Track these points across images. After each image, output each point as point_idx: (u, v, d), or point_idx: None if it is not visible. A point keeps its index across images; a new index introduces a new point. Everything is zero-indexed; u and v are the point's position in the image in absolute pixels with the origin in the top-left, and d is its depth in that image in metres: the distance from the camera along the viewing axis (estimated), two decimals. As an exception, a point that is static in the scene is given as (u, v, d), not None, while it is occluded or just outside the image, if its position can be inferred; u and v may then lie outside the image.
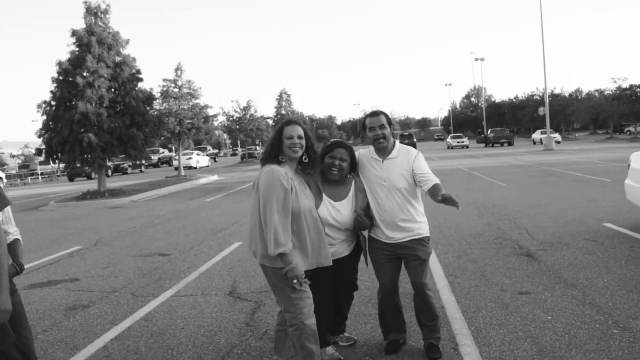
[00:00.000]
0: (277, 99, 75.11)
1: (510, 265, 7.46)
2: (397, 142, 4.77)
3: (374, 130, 4.58)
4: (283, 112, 73.88)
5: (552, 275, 6.89)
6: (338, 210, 4.48)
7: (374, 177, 4.64)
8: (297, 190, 4.06)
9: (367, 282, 6.77)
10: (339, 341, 5.04)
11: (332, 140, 4.74)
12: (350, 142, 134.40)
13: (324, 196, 4.49)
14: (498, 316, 5.51)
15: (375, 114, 4.67)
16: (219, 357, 4.95)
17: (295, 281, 3.91)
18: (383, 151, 4.65)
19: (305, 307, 4.01)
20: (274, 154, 4.15)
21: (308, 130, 4.28)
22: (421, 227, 4.64)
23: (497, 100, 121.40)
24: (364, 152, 4.81)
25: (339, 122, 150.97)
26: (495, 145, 62.70)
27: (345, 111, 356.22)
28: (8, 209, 3.78)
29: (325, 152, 4.56)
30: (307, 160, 4.30)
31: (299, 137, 4.13)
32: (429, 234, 4.71)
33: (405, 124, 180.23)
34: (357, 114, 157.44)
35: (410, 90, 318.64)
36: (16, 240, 3.78)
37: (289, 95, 74.60)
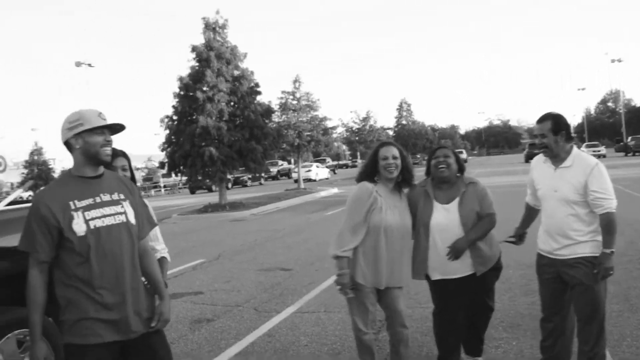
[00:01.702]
0: (397, 109, 75.13)
1: (659, 287, 7.00)
2: (575, 148, 4.37)
3: (534, 138, 4.45)
4: (404, 122, 73.68)
5: None
6: (448, 211, 4.48)
7: (545, 186, 4.41)
8: (383, 207, 4.29)
9: (497, 302, 6.57)
10: None
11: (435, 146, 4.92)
12: (475, 152, 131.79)
13: (435, 202, 4.51)
14: (646, 344, 5.18)
15: (540, 120, 4.37)
16: (343, 377, 4.98)
17: (339, 287, 4.22)
18: (556, 158, 4.34)
19: (359, 322, 4.38)
20: (367, 173, 4.46)
21: (403, 151, 4.49)
22: (592, 245, 4.21)
23: (638, 105, 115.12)
24: (538, 157, 4.61)
25: (462, 131, 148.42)
26: (636, 154, 59.32)
27: (469, 120, 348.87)
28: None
29: (429, 158, 4.65)
30: (400, 179, 4.48)
31: (394, 158, 4.35)
32: (598, 254, 4.22)
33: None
34: (481, 123, 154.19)
35: (541, 97, 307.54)
36: (163, 258, 4.04)
37: (409, 105, 74.49)
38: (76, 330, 3.03)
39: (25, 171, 59.02)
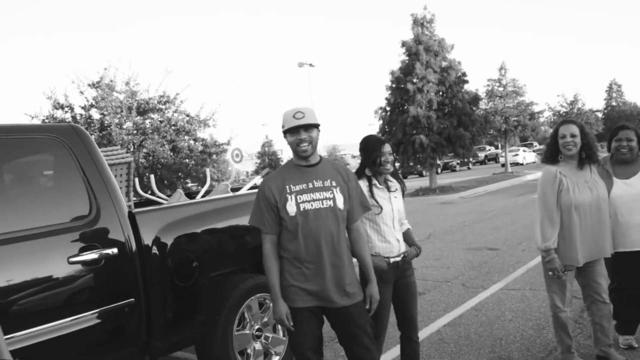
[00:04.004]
0: (606, 91, 69.52)
1: None
2: None
3: None
4: (613, 103, 68.12)
5: None
6: (631, 185, 4.47)
7: None
8: (570, 186, 4.19)
9: None
10: None
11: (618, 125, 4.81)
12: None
13: (615, 179, 4.52)
14: None
15: None
16: (546, 351, 4.98)
17: (551, 273, 4.26)
18: None
19: (557, 300, 4.37)
20: (549, 153, 4.39)
21: (585, 128, 4.33)
22: None
23: None
24: None
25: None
26: None
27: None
28: None
29: (611, 137, 4.65)
30: (584, 157, 4.32)
31: (572, 136, 4.21)
32: None
33: None
34: None
35: None
36: (408, 229, 4.45)
37: (619, 86, 68.50)
38: (286, 294, 3.46)
39: (258, 161, 63.37)
